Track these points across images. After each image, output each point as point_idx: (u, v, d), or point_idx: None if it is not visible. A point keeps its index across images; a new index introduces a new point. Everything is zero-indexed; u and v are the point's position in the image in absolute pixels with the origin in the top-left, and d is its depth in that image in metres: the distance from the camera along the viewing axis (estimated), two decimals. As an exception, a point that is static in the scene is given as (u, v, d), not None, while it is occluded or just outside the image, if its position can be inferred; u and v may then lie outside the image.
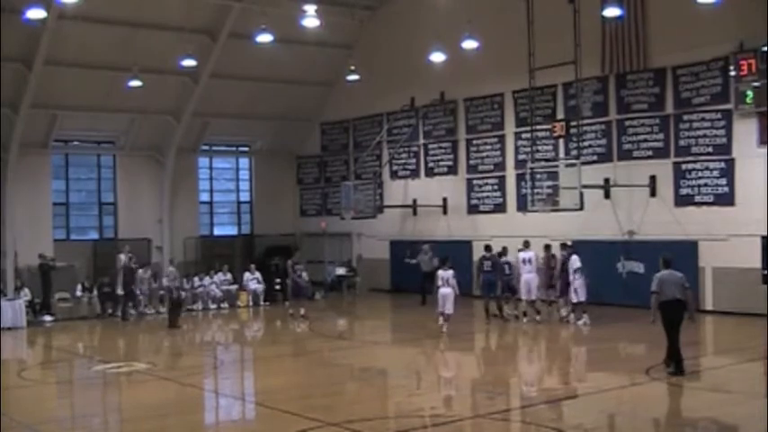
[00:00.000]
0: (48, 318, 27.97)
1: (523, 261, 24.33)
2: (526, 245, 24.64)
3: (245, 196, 38.90)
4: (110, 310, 28.80)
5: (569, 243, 24.74)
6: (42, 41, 28.78)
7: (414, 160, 33.92)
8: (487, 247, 25.31)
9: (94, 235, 35.01)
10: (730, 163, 24.74)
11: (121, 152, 35.03)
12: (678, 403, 14.77)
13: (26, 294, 28.07)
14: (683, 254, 25.13)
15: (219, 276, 31.51)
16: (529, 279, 24.14)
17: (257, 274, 31.56)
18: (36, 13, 25.18)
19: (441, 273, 23.30)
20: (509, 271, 24.76)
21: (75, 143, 34.99)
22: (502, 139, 30.71)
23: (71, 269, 30.96)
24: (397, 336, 24.61)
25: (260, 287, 31.32)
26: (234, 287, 31.61)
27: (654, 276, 16.90)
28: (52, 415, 15.27)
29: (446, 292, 22.83)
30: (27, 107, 30.48)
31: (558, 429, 12.88)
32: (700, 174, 25.42)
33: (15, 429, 14.05)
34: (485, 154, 31.29)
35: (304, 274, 28.72)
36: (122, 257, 29.17)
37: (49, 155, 33.52)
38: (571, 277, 23.51)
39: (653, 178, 26.35)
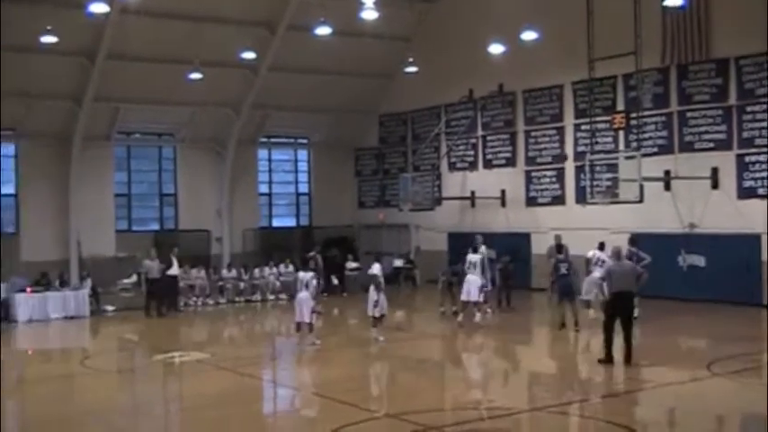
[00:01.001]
0: (109, 307, 28.43)
1: (597, 261, 22.60)
2: (602, 247, 22.85)
3: (303, 188, 39.12)
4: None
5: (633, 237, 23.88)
6: (105, 36, 29.23)
7: (472, 152, 33.82)
8: (559, 247, 23.59)
9: (155, 226, 35.44)
10: (795, 155, 24.32)
11: (182, 144, 35.43)
12: (739, 399, 14.54)
13: (88, 284, 28.45)
14: (745, 247, 24.90)
15: (281, 268, 31.73)
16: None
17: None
18: (99, 8, 25.67)
19: (469, 257, 22.83)
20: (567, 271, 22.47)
21: (137, 135, 35.45)
22: (561, 130, 30.49)
23: (133, 260, 31.40)
24: (453, 328, 24.56)
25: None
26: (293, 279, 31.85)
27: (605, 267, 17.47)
28: (114, 403, 15.55)
29: (472, 278, 22.44)
30: (90, 100, 31.01)
31: (617, 424, 12.77)
32: (763, 166, 24.97)
33: (78, 417, 14.34)
34: (543, 146, 31.10)
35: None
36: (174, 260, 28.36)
37: (111, 147, 34.04)
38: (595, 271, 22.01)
39: (715, 170, 25.95)
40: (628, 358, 16.78)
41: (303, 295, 19.93)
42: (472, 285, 22.40)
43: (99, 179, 33.17)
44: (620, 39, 25.43)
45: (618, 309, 16.90)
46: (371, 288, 20.67)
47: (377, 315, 20.61)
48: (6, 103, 28.95)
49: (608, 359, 16.88)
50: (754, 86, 25.19)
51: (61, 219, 32.01)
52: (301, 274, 20.68)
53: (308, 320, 19.91)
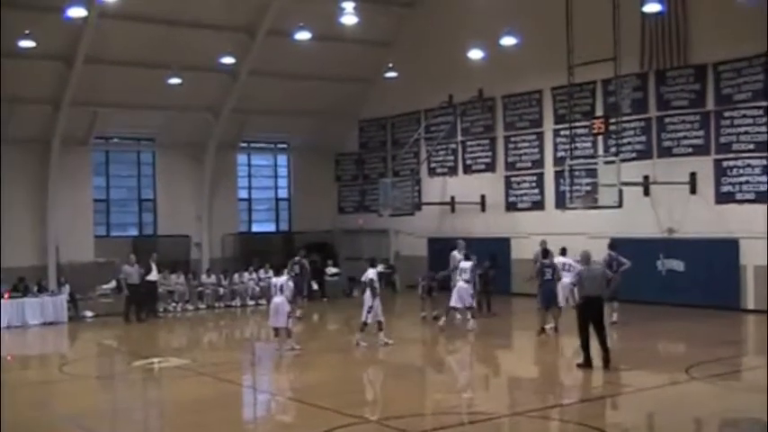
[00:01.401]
0: (88, 313, 28.26)
1: (563, 266, 22.51)
2: (563, 252, 23.17)
3: (283, 193, 39.06)
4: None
5: (612, 242, 23.92)
6: (83, 39, 29.06)
7: (452, 157, 33.87)
8: (546, 252, 22.68)
9: (134, 231, 35.30)
10: (772, 160, 24.47)
11: (161, 149, 35.30)
12: (718, 403, 14.61)
13: (66, 290, 28.26)
14: (723, 252, 25.06)
15: (261, 273, 31.67)
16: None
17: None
18: (77, 12, 25.53)
19: (462, 264, 23.00)
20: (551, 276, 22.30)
21: (116, 140, 35.27)
22: (540, 136, 30.60)
23: (112, 265, 31.22)
24: (434, 333, 24.55)
25: (299, 284, 31.39)
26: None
27: (575, 272, 17.53)
28: (93, 409, 15.42)
29: (464, 284, 22.56)
30: (68, 105, 30.80)
31: (596, 428, 12.80)
32: (741, 171, 25.15)
33: (57, 423, 14.24)
34: (523, 151, 31.19)
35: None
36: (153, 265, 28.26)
37: (89, 152, 33.83)
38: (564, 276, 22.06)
39: (693, 175, 26.10)
40: (606, 363, 16.82)
41: (278, 300, 19.88)
42: (464, 292, 22.46)
43: (77, 184, 32.94)
44: (599, 44, 25.55)
45: (589, 313, 16.97)
46: (367, 293, 20.44)
47: (369, 321, 20.39)
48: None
49: (587, 364, 16.94)
50: (731, 92, 25.36)
51: (39, 224, 31.78)
52: (274, 279, 20.66)
53: (284, 325, 19.90)
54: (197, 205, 35.33)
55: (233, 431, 13.83)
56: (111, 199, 34.86)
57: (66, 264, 31.47)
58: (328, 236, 37.95)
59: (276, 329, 20.10)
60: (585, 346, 16.97)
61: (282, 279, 20.24)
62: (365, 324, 20.42)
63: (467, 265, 22.97)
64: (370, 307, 20.26)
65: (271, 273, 31.58)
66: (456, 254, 24.52)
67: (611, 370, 16.67)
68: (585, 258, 17.67)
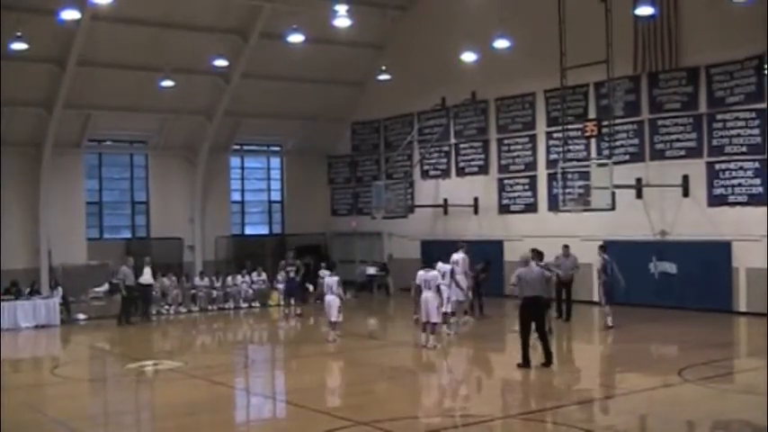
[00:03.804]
0: (81, 316, 28.21)
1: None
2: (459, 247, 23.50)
3: (276, 196, 39.04)
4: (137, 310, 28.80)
5: (602, 244, 24.07)
6: (76, 42, 29.04)
7: (445, 160, 33.88)
8: (540, 254, 21.22)
9: (127, 234, 35.27)
10: (764, 163, 24.48)
11: (154, 152, 35.27)
12: (710, 405, 14.62)
13: (59, 293, 28.21)
14: (716, 254, 25.12)
15: (254, 276, 31.68)
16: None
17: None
18: (70, 14, 25.52)
19: (440, 265, 22.17)
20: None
21: (108, 143, 35.28)
22: (533, 138, 30.63)
23: (105, 268, 31.20)
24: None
25: (292, 287, 31.38)
26: (265, 287, 31.80)
27: (515, 273, 17.72)
28: (85, 412, 15.41)
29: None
30: (61, 107, 30.77)
31: (588, 430, 12.81)
32: (733, 174, 25.20)
33: (48, 426, 14.21)
34: (516, 154, 31.21)
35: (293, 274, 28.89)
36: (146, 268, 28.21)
37: (82, 154, 33.82)
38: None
39: (686, 178, 26.15)
40: (548, 362, 17.39)
41: (329, 298, 21.73)
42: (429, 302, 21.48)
43: (70, 187, 32.95)
44: (591, 47, 25.59)
45: (531, 314, 17.38)
46: (430, 293, 20.49)
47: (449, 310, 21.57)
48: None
49: (525, 363, 17.29)
50: (724, 95, 25.41)
51: (31, 227, 31.77)
52: (327, 278, 22.36)
53: (334, 319, 21.67)
54: (190, 208, 35.34)
55: (225, 434, 13.82)
56: (103, 202, 34.83)
57: (58, 266, 31.46)
58: (321, 238, 37.98)
59: (333, 323, 21.76)
60: (525, 346, 17.37)
61: (334, 279, 22.09)
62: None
63: (446, 267, 22.28)
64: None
65: (263, 276, 31.76)
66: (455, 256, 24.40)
67: (550, 368, 17.22)
68: (525, 260, 17.87)
